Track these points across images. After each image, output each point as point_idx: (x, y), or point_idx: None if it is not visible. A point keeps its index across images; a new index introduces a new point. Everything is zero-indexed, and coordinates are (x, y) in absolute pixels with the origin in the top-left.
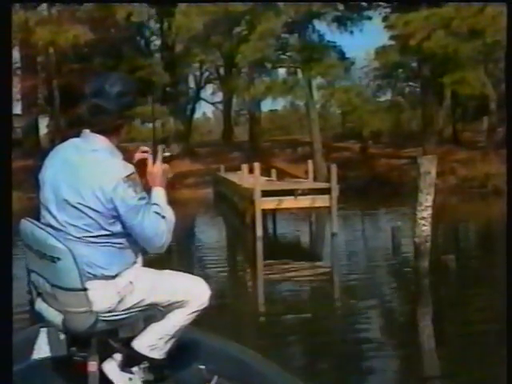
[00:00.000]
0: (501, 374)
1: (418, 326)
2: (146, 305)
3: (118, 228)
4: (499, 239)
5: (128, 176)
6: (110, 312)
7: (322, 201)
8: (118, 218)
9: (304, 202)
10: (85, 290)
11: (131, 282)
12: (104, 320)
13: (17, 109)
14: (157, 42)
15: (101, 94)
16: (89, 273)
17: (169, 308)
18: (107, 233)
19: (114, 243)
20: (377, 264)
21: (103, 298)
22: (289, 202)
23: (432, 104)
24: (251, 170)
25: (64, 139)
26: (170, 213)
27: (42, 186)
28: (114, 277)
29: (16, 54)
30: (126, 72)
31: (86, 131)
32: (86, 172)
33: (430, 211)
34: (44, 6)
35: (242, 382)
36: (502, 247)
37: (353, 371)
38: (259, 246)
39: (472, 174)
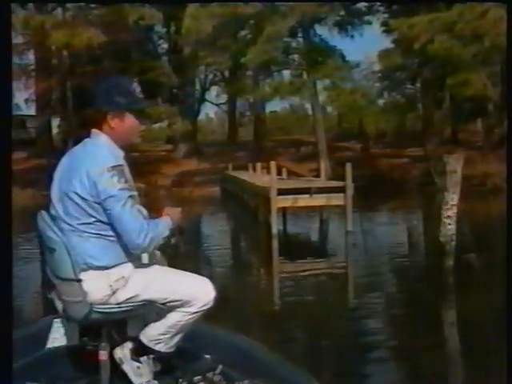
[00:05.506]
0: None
1: (442, 324)
2: (141, 301)
3: (105, 217)
4: (499, 233)
5: (114, 166)
6: (103, 304)
7: (337, 199)
8: (100, 205)
9: (319, 200)
10: (79, 280)
11: (123, 277)
12: (98, 311)
13: (31, 110)
14: (165, 45)
15: (101, 95)
16: (84, 263)
17: (169, 306)
18: (94, 220)
19: (106, 236)
20: (389, 261)
21: (96, 289)
22: (304, 200)
23: (432, 105)
24: (256, 169)
25: (75, 139)
26: (162, 227)
27: (52, 181)
28: (106, 268)
29: (31, 57)
30: (136, 73)
31: (94, 130)
32: (78, 161)
33: (455, 210)
34: (59, 9)
35: (245, 371)
36: (502, 241)
37: (361, 367)
38: (275, 243)
39: (471, 173)
